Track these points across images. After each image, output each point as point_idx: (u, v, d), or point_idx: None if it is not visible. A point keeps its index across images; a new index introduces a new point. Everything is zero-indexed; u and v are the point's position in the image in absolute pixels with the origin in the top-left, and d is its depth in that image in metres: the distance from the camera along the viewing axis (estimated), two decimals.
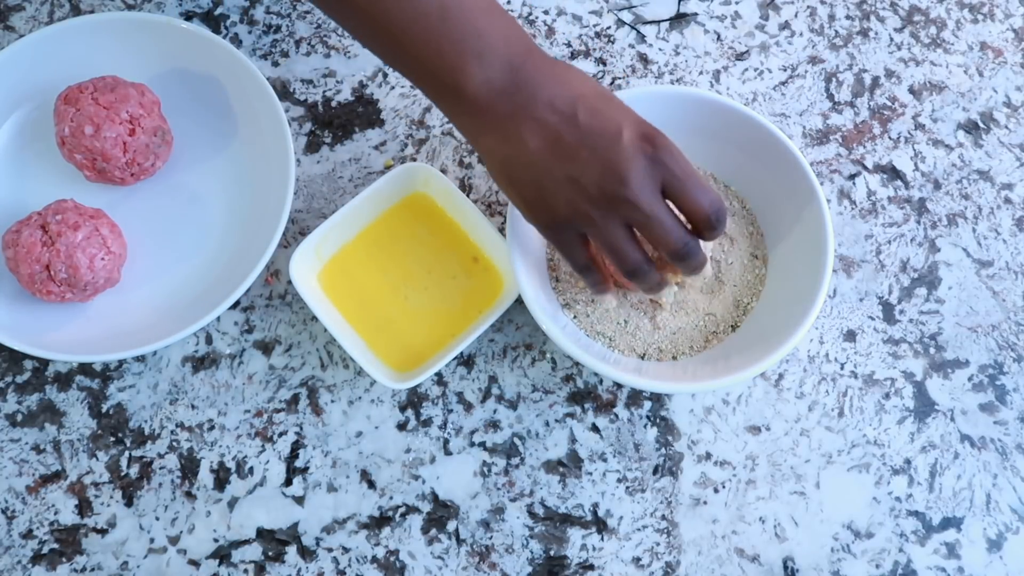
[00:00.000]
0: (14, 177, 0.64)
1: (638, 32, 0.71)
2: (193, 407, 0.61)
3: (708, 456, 0.61)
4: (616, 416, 0.61)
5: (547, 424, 0.61)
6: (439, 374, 0.62)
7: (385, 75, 0.69)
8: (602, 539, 0.59)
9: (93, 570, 0.58)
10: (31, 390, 0.61)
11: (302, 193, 0.66)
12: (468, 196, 0.63)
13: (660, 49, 0.71)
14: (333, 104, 0.68)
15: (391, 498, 0.59)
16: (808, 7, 0.73)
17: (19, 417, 0.60)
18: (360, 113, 0.68)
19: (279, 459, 0.60)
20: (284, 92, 0.68)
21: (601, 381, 0.62)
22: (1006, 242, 0.67)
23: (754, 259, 0.61)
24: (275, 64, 0.69)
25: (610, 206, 0.50)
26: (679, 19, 0.72)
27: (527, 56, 0.51)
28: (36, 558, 0.58)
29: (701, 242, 0.53)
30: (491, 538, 0.59)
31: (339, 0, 0.51)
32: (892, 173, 0.68)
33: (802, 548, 0.59)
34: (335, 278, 0.61)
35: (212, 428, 0.60)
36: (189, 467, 0.60)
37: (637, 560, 0.59)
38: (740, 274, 0.61)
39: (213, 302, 0.60)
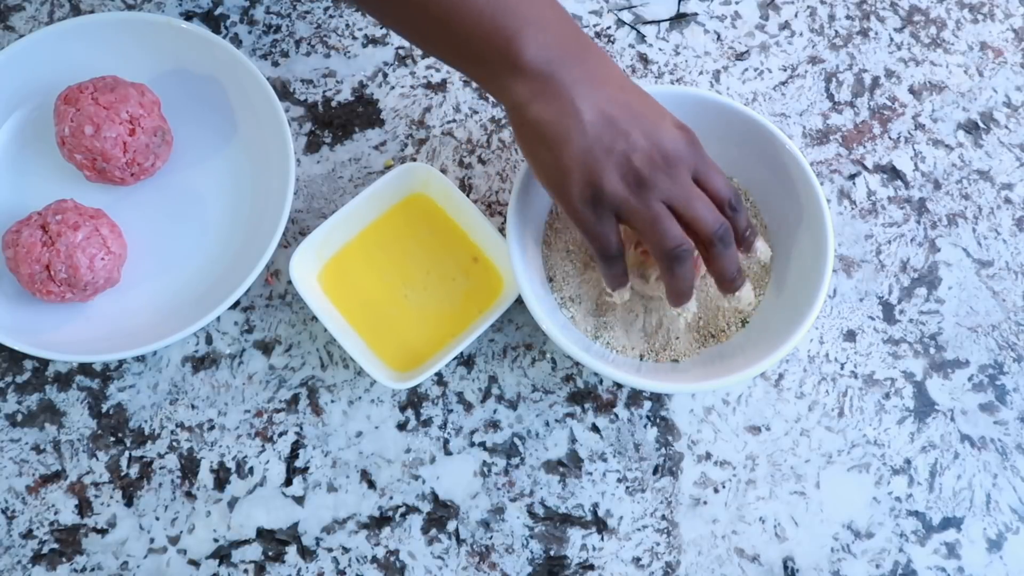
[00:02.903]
0: (14, 177, 0.64)
1: (638, 32, 0.71)
2: (193, 407, 0.61)
3: (708, 456, 0.61)
4: (616, 416, 0.61)
5: (547, 424, 0.61)
6: (439, 374, 0.62)
7: (385, 75, 0.69)
8: (602, 539, 0.59)
9: (93, 570, 0.58)
10: (31, 390, 0.61)
11: (302, 193, 0.66)
12: (468, 196, 0.63)
13: (660, 49, 0.71)
14: (333, 104, 0.68)
15: (391, 498, 0.59)
16: (808, 7, 0.73)
17: (19, 417, 0.60)
18: (360, 113, 0.68)
19: (279, 459, 0.60)
20: (284, 92, 0.68)
21: (601, 381, 0.62)
22: (1006, 242, 0.67)
23: None
24: (275, 64, 0.69)
25: (655, 181, 0.51)
26: (679, 19, 0.72)
27: (578, 32, 0.52)
28: (36, 558, 0.58)
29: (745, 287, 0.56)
30: (491, 538, 0.59)
31: None
32: (892, 173, 0.68)
33: (802, 548, 0.59)
34: (335, 278, 0.61)
35: (212, 428, 0.60)
36: (189, 467, 0.60)
37: (637, 560, 0.59)
38: (747, 265, 0.61)
39: (213, 302, 0.60)
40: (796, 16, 0.72)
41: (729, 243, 0.53)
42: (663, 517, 0.59)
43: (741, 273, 0.55)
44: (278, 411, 0.61)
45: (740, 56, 0.71)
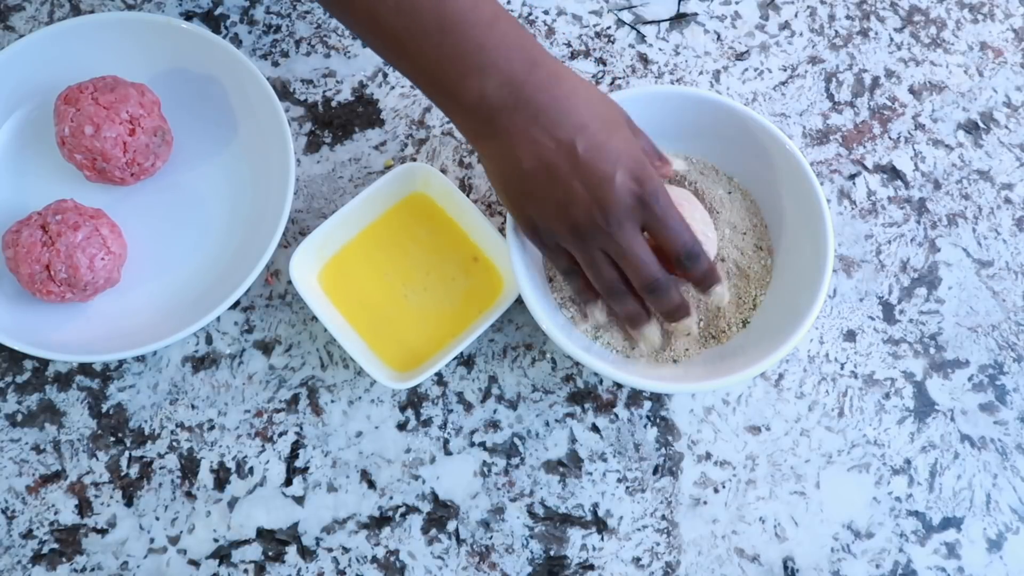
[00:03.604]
0: (14, 177, 0.64)
1: (638, 32, 0.71)
2: (193, 407, 0.61)
3: (708, 456, 0.61)
4: (616, 416, 0.61)
5: (547, 424, 0.61)
6: (439, 374, 0.62)
7: (385, 75, 0.69)
8: (602, 539, 0.59)
9: (93, 570, 0.58)
10: (31, 390, 0.61)
11: (302, 193, 0.66)
12: (468, 196, 0.63)
13: (660, 49, 0.71)
14: (333, 104, 0.68)
15: (391, 498, 0.59)
16: (808, 7, 0.73)
17: (19, 417, 0.60)
18: (360, 113, 0.68)
19: (279, 459, 0.60)
20: (284, 92, 0.68)
21: (601, 381, 0.62)
22: (1006, 242, 0.67)
23: (759, 250, 0.61)
24: (275, 64, 0.69)
25: (591, 235, 0.52)
26: (679, 19, 0.72)
27: (531, 71, 0.51)
28: (36, 558, 0.58)
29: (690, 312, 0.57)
30: (491, 538, 0.59)
31: (342, 13, 0.52)
32: (892, 173, 0.68)
33: (802, 548, 0.59)
34: (335, 278, 0.61)
35: (212, 428, 0.60)
36: (189, 467, 0.60)
37: (637, 560, 0.59)
38: (747, 264, 0.61)
39: (213, 302, 0.60)
40: (796, 16, 0.72)
41: (661, 294, 0.54)
42: (663, 517, 0.59)
43: (683, 308, 0.56)
44: (278, 411, 0.61)
45: (740, 56, 0.71)
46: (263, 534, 0.58)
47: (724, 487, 0.60)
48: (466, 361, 0.62)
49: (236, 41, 0.69)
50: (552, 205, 0.52)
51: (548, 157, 0.50)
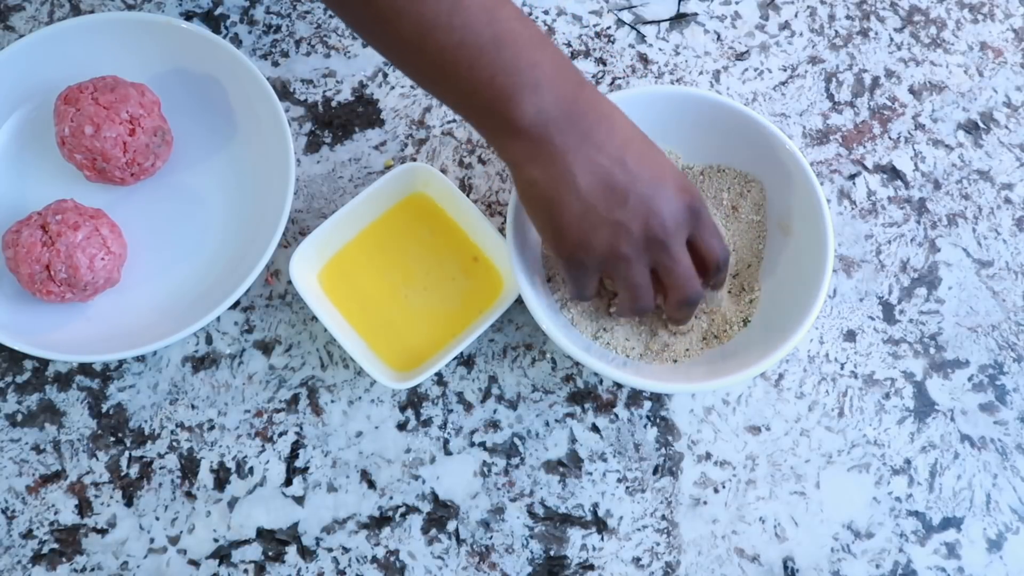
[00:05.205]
0: (14, 177, 0.64)
1: (638, 32, 0.71)
2: (193, 407, 0.61)
3: (708, 456, 0.61)
4: (616, 416, 0.61)
5: (547, 424, 0.61)
6: (439, 374, 0.62)
7: (385, 75, 0.69)
8: (602, 539, 0.59)
9: (93, 570, 0.58)
10: (31, 390, 0.61)
11: (302, 193, 0.66)
12: (468, 196, 0.63)
13: (660, 49, 0.71)
14: (333, 104, 0.68)
15: (391, 498, 0.59)
16: (808, 7, 0.73)
17: (19, 417, 0.60)
18: (360, 113, 0.68)
19: (279, 459, 0.60)
20: (284, 92, 0.68)
21: (601, 381, 0.62)
22: (1006, 242, 0.67)
23: (759, 250, 0.61)
24: (275, 64, 0.69)
25: (647, 249, 0.52)
26: (679, 19, 0.72)
27: (579, 90, 0.51)
28: (36, 558, 0.58)
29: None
30: (491, 538, 0.59)
31: (384, 33, 0.51)
32: (892, 173, 0.68)
33: (802, 548, 0.59)
34: (335, 278, 0.61)
35: (212, 428, 0.60)
36: (189, 467, 0.60)
37: (637, 560, 0.59)
38: (747, 264, 0.61)
39: (213, 302, 0.60)
40: (796, 16, 0.72)
41: (694, 306, 0.55)
42: (663, 517, 0.59)
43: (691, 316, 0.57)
44: (278, 411, 0.61)
45: (740, 56, 0.71)
46: (263, 534, 0.58)
47: (724, 487, 0.60)
48: (466, 361, 0.62)
49: (236, 41, 0.69)
50: (608, 226, 0.51)
51: (604, 173, 0.50)
